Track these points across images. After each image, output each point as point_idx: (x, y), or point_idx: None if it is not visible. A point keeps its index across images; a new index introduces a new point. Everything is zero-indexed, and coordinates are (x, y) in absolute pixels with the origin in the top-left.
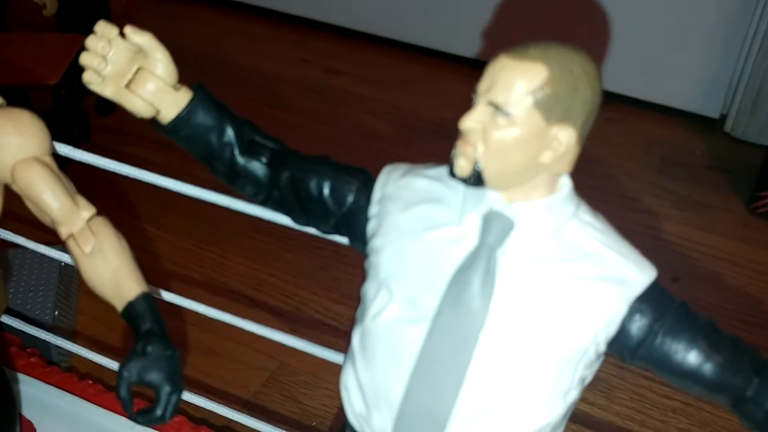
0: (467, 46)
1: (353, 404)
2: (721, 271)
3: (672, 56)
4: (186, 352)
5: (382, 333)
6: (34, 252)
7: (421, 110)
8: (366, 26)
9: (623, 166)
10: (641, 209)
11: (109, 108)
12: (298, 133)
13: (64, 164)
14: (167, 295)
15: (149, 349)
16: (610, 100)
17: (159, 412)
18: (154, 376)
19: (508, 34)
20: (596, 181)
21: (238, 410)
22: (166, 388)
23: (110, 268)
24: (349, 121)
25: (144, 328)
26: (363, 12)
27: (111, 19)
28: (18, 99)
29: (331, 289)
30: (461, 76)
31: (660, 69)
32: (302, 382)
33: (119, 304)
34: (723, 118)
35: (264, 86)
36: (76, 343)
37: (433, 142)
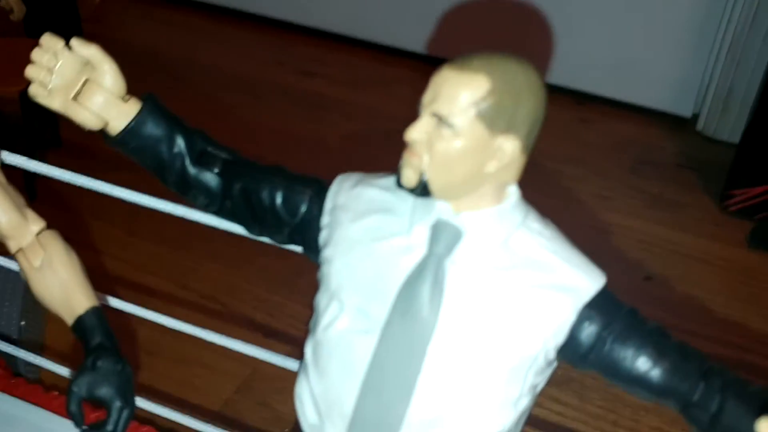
0: (443, 48)
1: (307, 415)
2: (693, 269)
3: (644, 57)
4: (157, 360)
5: (334, 344)
6: None
7: (396, 112)
8: (341, 28)
9: (596, 165)
10: (614, 208)
11: None
12: (274, 135)
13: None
14: (128, 307)
15: (99, 363)
16: (583, 100)
17: (110, 427)
18: (105, 391)
19: (484, 36)
20: (569, 181)
21: (209, 421)
22: (117, 404)
23: (59, 282)
24: (325, 123)
25: (94, 342)
26: (338, 14)
27: (80, 23)
28: None
29: (304, 294)
30: None
31: (632, 69)
32: (274, 387)
33: (69, 318)
34: (695, 117)
35: (239, 89)
36: (44, 355)
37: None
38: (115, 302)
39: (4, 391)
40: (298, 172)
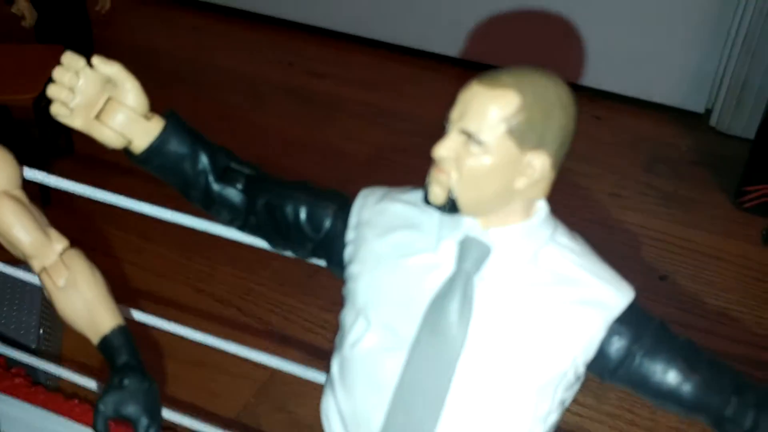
0: (453, 46)
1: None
2: (708, 266)
3: (657, 52)
4: (174, 365)
5: (361, 361)
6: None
7: (407, 112)
8: (350, 28)
9: (609, 162)
10: (627, 206)
11: None
12: (284, 137)
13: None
14: (141, 316)
15: (126, 382)
16: (596, 97)
17: None
18: (131, 410)
19: (493, 34)
20: (583, 179)
21: (228, 427)
22: (144, 422)
23: (84, 302)
24: (335, 124)
25: (120, 361)
26: (347, 14)
27: (91, 28)
28: None
29: (319, 297)
30: (447, 76)
31: (645, 65)
32: (292, 391)
33: (94, 338)
34: (708, 112)
35: (249, 90)
36: (62, 365)
37: (420, 144)
38: (135, 314)
39: (26, 399)
40: (314, 179)
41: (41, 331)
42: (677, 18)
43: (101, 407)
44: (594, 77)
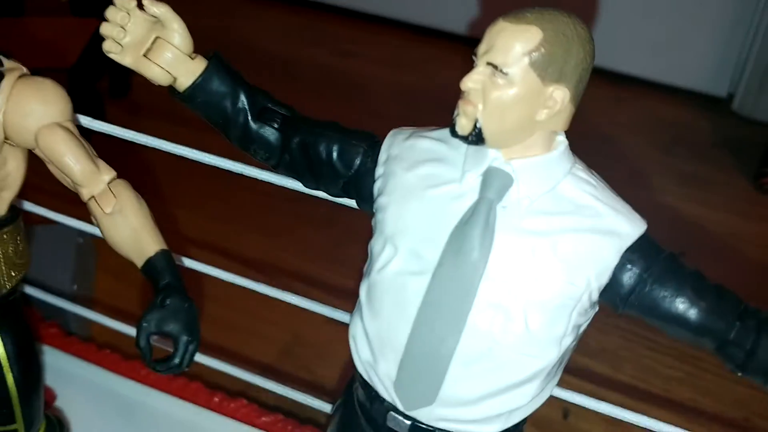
0: (480, 28)
1: (360, 352)
2: (727, 245)
3: (680, 36)
4: (202, 326)
5: (388, 284)
6: (51, 230)
7: (433, 92)
8: (378, 9)
9: (631, 144)
10: (647, 186)
11: (122, 91)
12: (310, 114)
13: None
14: (187, 261)
15: (168, 301)
16: (619, 80)
17: (177, 360)
18: (173, 327)
19: None
20: (605, 159)
21: (257, 372)
22: (184, 338)
23: (130, 227)
24: (361, 103)
25: (163, 282)
26: None
27: None
28: None
29: (342, 265)
30: (470, 55)
31: (668, 49)
32: (315, 353)
33: (139, 261)
34: (731, 97)
35: (276, 69)
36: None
37: (442, 120)
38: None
39: (60, 348)
40: None
41: (75, 287)
42: (701, 3)
43: (144, 324)
44: (615, 60)
